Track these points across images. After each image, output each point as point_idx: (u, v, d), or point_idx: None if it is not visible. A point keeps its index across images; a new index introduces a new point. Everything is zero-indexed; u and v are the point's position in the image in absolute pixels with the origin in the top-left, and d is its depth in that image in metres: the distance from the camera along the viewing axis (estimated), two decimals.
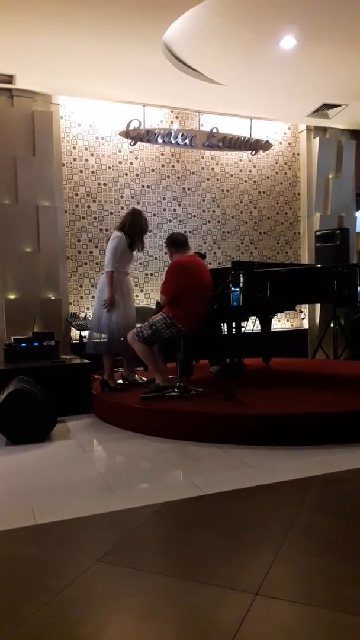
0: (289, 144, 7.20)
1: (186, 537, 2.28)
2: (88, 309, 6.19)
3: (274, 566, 1.96)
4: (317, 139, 7.07)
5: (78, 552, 2.13)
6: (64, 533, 2.33)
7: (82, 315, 6.03)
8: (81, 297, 6.19)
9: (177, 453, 3.45)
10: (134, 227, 4.52)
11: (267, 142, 6.87)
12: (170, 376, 4.24)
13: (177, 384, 4.18)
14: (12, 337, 4.99)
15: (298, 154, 7.24)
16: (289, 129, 7.19)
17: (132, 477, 3.14)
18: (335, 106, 6.28)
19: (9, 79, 5.36)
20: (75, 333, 5.83)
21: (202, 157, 6.72)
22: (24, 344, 4.80)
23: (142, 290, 6.45)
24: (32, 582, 1.93)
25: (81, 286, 6.19)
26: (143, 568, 2.00)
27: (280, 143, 7.13)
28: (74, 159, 6.10)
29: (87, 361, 4.73)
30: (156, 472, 3.17)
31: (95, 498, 2.72)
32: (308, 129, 7.12)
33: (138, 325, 4.30)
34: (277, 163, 7.13)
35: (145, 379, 4.71)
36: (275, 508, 2.53)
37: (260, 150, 6.83)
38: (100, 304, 4.47)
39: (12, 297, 5.61)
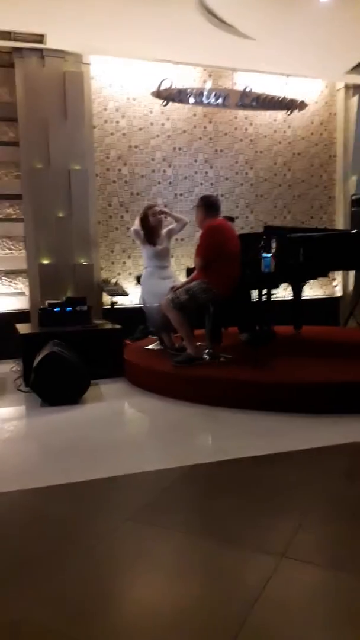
0: (326, 103, 6.90)
1: (213, 499, 2.34)
2: (119, 274, 6.23)
3: (300, 531, 2.00)
4: (356, 97, 6.74)
5: (109, 511, 2.22)
6: (96, 492, 2.42)
7: (113, 281, 6.08)
8: (112, 263, 6.22)
9: (206, 418, 3.52)
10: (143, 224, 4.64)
11: (303, 101, 6.60)
12: (199, 344, 4.26)
13: (207, 350, 4.21)
14: (46, 302, 5.09)
15: (335, 114, 6.93)
16: (326, 87, 6.87)
17: (162, 440, 3.22)
18: None
19: (40, 38, 5.27)
20: (106, 299, 5.89)
21: (235, 118, 6.52)
22: (57, 309, 4.88)
23: (172, 256, 6.41)
24: (64, 539, 2.02)
25: (112, 251, 6.21)
26: (171, 528, 2.08)
27: (317, 102, 6.84)
28: (105, 121, 6.02)
29: (119, 326, 4.79)
30: (185, 436, 3.24)
31: (125, 459, 2.81)
32: (346, 87, 6.79)
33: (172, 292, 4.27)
34: (312, 123, 6.86)
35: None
36: (303, 474, 2.56)
37: (296, 110, 6.58)
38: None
39: (45, 262, 5.70)
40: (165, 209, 4.98)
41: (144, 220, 4.62)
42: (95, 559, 1.87)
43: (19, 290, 5.90)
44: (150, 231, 4.61)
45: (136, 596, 1.70)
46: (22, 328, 4.79)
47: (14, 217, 5.80)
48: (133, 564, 1.85)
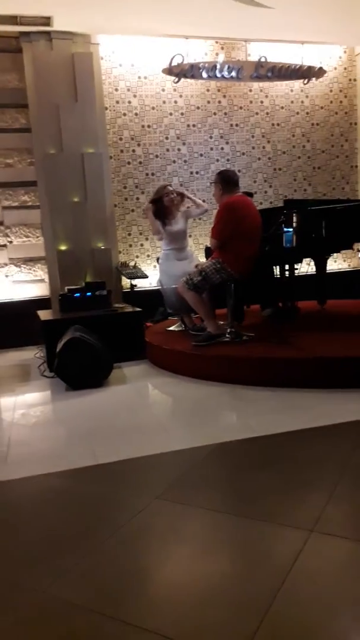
0: (345, 69, 6.65)
1: (241, 476, 2.32)
2: (137, 257, 6.19)
3: (329, 505, 1.97)
4: None
5: (137, 490, 2.23)
6: (124, 472, 2.43)
7: (131, 264, 6.05)
8: (130, 246, 6.19)
9: (230, 396, 3.48)
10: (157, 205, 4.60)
11: (321, 68, 6.37)
12: (221, 322, 4.22)
13: (229, 329, 4.16)
14: (65, 288, 5.10)
15: (355, 80, 6.68)
16: (345, 52, 6.61)
17: (187, 419, 3.20)
18: None
19: (47, 20, 5.19)
20: (125, 282, 5.87)
21: (250, 90, 6.35)
22: (77, 294, 4.89)
23: (190, 236, 6.34)
24: (95, 517, 2.04)
25: (129, 234, 6.17)
26: (200, 505, 2.07)
27: (335, 69, 6.60)
28: (117, 102, 5.93)
29: (139, 309, 4.77)
30: (210, 415, 3.22)
31: (152, 439, 2.80)
32: None
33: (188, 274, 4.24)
34: (331, 91, 6.64)
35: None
36: (330, 449, 2.52)
37: (313, 78, 6.36)
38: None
39: (63, 248, 5.69)
40: (187, 192, 4.90)
41: (158, 201, 4.57)
42: (125, 537, 1.87)
43: (39, 278, 5.93)
44: (164, 211, 4.55)
45: (167, 573, 1.70)
46: (44, 315, 4.82)
47: (30, 204, 5.79)
48: (163, 541, 1.84)
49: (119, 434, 2.94)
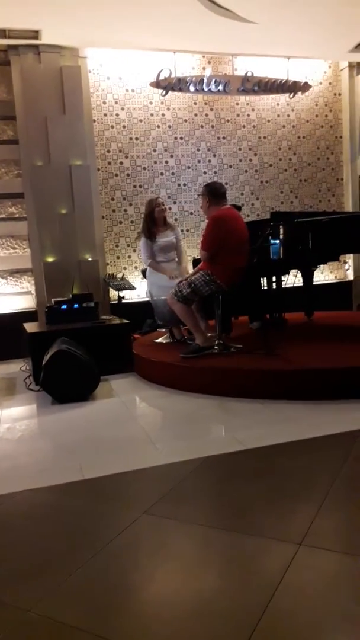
0: (330, 83, 6.76)
1: (229, 489, 2.29)
2: (125, 269, 6.18)
3: (317, 517, 1.95)
4: None
5: (125, 505, 2.19)
6: (111, 487, 2.39)
7: (119, 275, 6.04)
8: (117, 257, 6.18)
9: (218, 409, 3.46)
10: (148, 219, 4.66)
11: (306, 83, 6.47)
12: (210, 334, 4.21)
13: (217, 341, 4.15)
14: (52, 300, 5.06)
15: (339, 94, 6.80)
16: (329, 67, 6.73)
17: (175, 433, 3.17)
18: None
19: (35, 34, 5.22)
20: (113, 294, 5.85)
21: (237, 104, 6.42)
22: (64, 306, 4.86)
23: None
24: (82, 533, 2.00)
25: (117, 246, 6.17)
26: (188, 520, 2.04)
27: (320, 83, 6.71)
28: (105, 114, 5.95)
29: (127, 321, 4.75)
30: (198, 428, 3.19)
31: (139, 453, 2.77)
32: (350, 65, 6.65)
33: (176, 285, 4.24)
34: (317, 105, 6.74)
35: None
36: (318, 461, 2.51)
37: (299, 93, 6.45)
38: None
39: (50, 259, 5.67)
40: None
41: (150, 215, 4.63)
42: (113, 552, 1.84)
43: (25, 290, 5.88)
44: (155, 222, 4.60)
45: (155, 588, 1.67)
46: (30, 327, 4.77)
47: (17, 216, 5.77)
48: (151, 556, 1.81)
49: (106, 448, 2.90)
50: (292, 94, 6.44)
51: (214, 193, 4.13)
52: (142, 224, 4.84)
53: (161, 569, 1.75)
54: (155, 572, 1.74)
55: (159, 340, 4.86)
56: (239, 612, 1.49)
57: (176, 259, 4.82)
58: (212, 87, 6.06)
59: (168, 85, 5.92)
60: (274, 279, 4.90)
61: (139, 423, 3.35)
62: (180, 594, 1.62)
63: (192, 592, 1.62)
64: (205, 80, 6.02)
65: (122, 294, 5.67)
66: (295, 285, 5.27)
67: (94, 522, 2.08)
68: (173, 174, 6.26)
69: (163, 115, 6.16)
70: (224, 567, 1.74)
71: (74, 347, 3.95)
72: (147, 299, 4.88)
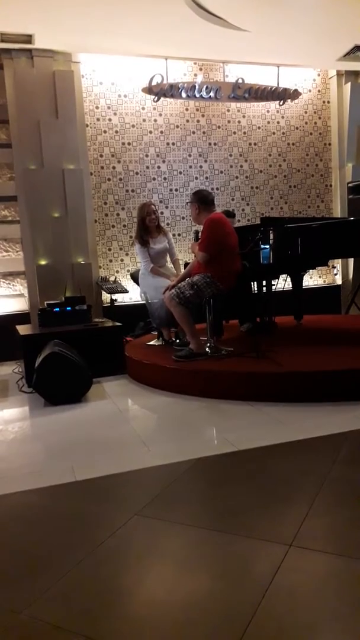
0: (319, 91, 6.87)
1: (220, 491, 2.32)
2: (117, 272, 6.22)
3: (307, 519, 1.99)
4: (349, 84, 6.71)
5: (117, 506, 2.21)
6: (103, 489, 2.41)
7: (111, 278, 6.07)
8: (110, 261, 6.21)
9: (210, 411, 3.50)
10: (141, 226, 4.71)
11: (296, 90, 6.56)
12: (202, 338, 4.24)
13: (208, 344, 4.19)
14: (45, 302, 5.08)
15: (328, 102, 6.91)
16: (319, 75, 6.84)
17: (167, 435, 3.20)
18: None
19: (28, 38, 5.25)
20: (106, 297, 5.88)
21: (228, 110, 6.50)
22: (57, 309, 4.88)
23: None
24: (74, 535, 2.02)
25: (110, 249, 6.20)
26: (179, 521, 2.06)
27: (310, 91, 6.81)
28: (97, 119, 5.99)
29: (119, 324, 4.78)
30: (189, 430, 3.22)
31: (131, 455, 2.80)
32: (339, 74, 6.76)
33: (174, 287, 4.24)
34: (306, 112, 6.83)
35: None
36: (309, 463, 2.55)
37: (289, 100, 6.54)
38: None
39: (43, 262, 5.68)
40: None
41: (142, 223, 4.67)
42: (104, 554, 1.86)
43: (18, 292, 5.90)
44: (149, 230, 4.65)
45: (146, 590, 1.69)
46: (23, 329, 4.78)
47: (10, 219, 5.78)
48: (142, 558, 1.83)
49: (98, 450, 2.92)
50: (282, 102, 6.52)
51: (203, 200, 4.19)
52: (135, 229, 4.87)
53: (152, 571, 1.76)
54: (146, 574, 1.75)
55: (151, 343, 4.90)
56: (230, 612, 1.50)
57: (168, 264, 4.86)
58: (204, 93, 6.13)
59: (160, 91, 5.98)
60: (264, 283, 4.96)
61: (131, 425, 3.38)
62: (172, 595, 1.63)
63: (183, 593, 1.63)
64: (196, 87, 6.08)
65: (114, 296, 5.70)
66: (285, 289, 5.34)
67: (86, 523, 2.10)
68: (165, 179, 6.31)
69: (155, 120, 6.21)
70: (216, 569, 1.76)
71: (67, 349, 3.97)
72: (139, 302, 4.91)
